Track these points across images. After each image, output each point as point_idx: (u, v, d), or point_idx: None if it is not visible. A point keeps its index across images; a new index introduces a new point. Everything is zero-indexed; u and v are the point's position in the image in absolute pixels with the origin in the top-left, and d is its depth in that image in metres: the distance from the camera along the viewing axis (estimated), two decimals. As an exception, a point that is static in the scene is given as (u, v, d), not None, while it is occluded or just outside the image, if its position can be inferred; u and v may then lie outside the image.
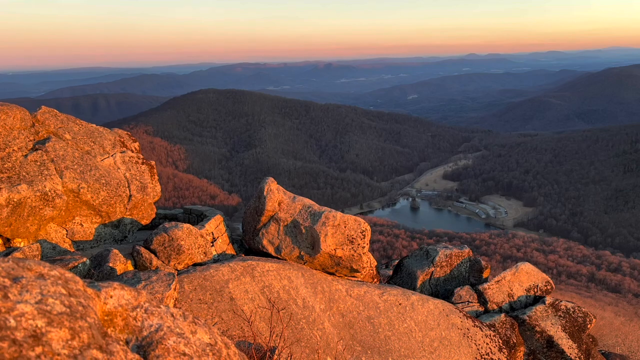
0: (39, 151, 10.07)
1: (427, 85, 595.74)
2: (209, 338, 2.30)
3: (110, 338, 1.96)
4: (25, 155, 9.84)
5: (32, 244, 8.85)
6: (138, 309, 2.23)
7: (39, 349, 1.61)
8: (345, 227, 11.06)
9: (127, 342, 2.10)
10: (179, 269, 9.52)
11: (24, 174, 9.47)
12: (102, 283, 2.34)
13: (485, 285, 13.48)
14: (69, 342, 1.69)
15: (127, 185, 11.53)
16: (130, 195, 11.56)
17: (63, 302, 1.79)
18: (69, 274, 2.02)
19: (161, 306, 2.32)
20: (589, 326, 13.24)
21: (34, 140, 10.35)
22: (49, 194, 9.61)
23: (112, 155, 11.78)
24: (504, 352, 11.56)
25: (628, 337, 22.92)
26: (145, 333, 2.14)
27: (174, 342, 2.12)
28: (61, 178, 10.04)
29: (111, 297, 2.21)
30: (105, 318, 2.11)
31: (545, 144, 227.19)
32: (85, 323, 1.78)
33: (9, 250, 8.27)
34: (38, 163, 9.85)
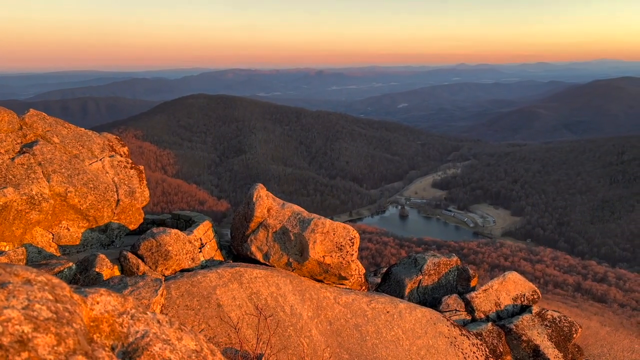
0: (26, 154, 9.99)
1: (417, 94, 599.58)
2: (195, 344, 2.30)
3: (96, 344, 1.96)
4: (12, 158, 9.75)
5: (18, 247, 8.76)
6: (124, 315, 2.23)
7: (25, 355, 1.61)
8: (334, 234, 11.07)
9: (112, 349, 2.09)
10: (166, 274, 9.46)
11: (10, 177, 9.38)
12: (89, 289, 2.34)
13: (473, 294, 13.54)
14: (55, 348, 1.69)
15: (115, 190, 11.46)
16: (118, 200, 11.49)
17: (49, 307, 1.79)
18: (55, 280, 2.01)
19: (148, 312, 2.32)
20: (574, 336, 13.34)
21: (22, 143, 10.26)
22: (36, 197, 9.53)
23: (100, 160, 11.71)
24: (490, 361, 11.61)
25: (613, 347, 23.07)
26: (131, 339, 2.14)
27: (159, 348, 2.12)
28: (48, 182, 9.96)
29: (97, 303, 2.21)
30: (92, 324, 2.10)
31: (534, 154, 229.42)
32: (72, 329, 1.78)
33: (-6, 254, 8.17)
34: (25, 166, 9.76)
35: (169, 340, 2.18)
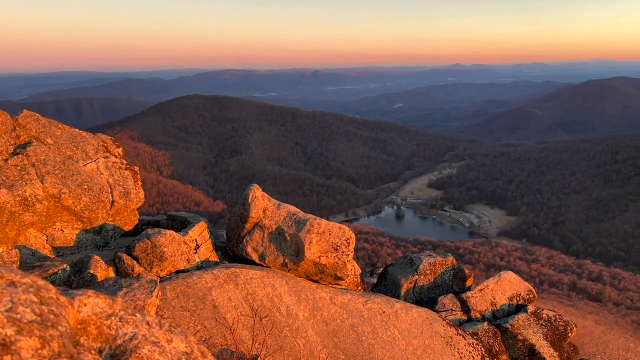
0: (20, 155, 9.92)
1: (413, 94, 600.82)
2: (185, 346, 2.27)
3: (82, 347, 1.93)
4: (6, 160, 9.68)
5: (11, 249, 8.70)
6: (112, 317, 2.19)
7: (7, 358, 1.58)
8: (329, 234, 11.04)
9: (100, 351, 2.06)
10: (161, 275, 9.41)
11: (3, 178, 9.31)
12: (76, 291, 2.30)
13: (469, 294, 13.55)
14: (39, 351, 1.65)
15: (109, 191, 11.40)
16: (113, 201, 11.43)
17: (34, 310, 1.75)
18: (41, 282, 1.98)
19: (137, 314, 2.29)
20: (570, 335, 13.37)
21: (15, 144, 10.19)
22: (29, 199, 9.46)
23: (95, 161, 11.65)
24: (486, 361, 11.61)
25: (608, 346, 23.15)
26: (119, 342, 2.10)
27: (148, 350, 2.09)
28: (42, 183, 9.89)
29: (85, 305, 2.17)
30: (79, 326, 2.07)
31: (528, 154, 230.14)
32: (56, 332, 1.75)
33: (-14, 256, 8.10)
34: (18, 167, 9.69)
35: (159, 342, 2.15)
